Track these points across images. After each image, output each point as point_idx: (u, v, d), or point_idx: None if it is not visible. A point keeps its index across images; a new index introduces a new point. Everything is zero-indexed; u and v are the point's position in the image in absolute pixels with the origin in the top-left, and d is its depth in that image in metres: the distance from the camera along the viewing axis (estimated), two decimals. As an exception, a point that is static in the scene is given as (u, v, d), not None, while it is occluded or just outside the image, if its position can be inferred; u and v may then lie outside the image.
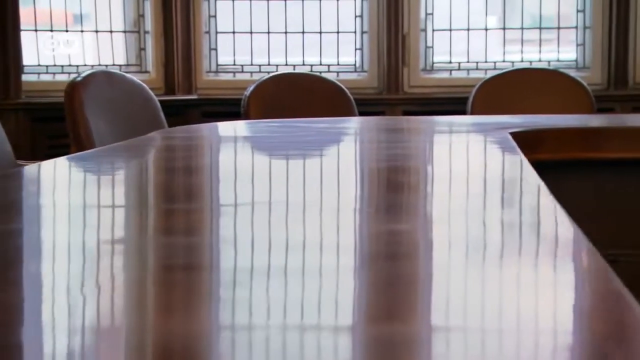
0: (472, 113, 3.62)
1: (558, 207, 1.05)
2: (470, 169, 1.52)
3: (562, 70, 3.89)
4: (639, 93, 4.19)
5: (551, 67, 4.02)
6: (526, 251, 0.88)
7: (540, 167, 2.65)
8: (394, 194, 1.25)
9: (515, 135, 2.42)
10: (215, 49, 4.41)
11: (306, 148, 1.99)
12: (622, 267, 2.91)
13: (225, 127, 2.46)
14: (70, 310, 0.69)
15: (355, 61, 4.47)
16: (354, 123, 2.73)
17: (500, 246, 0.90)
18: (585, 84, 3.64)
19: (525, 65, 4.31)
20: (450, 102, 4.17)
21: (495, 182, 1.33)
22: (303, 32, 4.45)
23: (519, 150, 1.83)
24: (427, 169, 1.50)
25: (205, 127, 2.46)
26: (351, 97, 3.56)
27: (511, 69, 3.88)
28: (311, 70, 4.45)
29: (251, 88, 3.39)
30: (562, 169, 2.69)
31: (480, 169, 1.53)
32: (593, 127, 2.61)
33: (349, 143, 2.13)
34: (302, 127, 2.57)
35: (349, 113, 3.46)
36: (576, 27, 4.37)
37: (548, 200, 1.10)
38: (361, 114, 3.95)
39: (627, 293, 0.68)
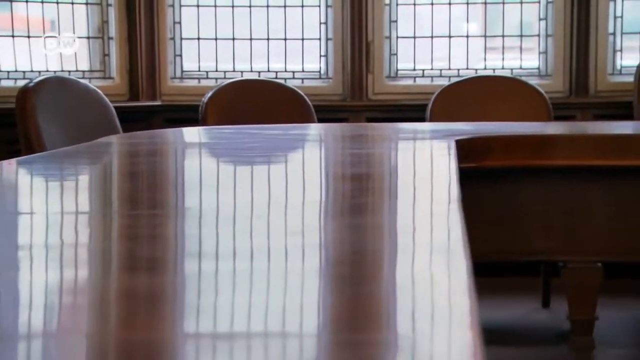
0: (431, 120, 3.64)
1: (456, 215, 1.06)
2: (388, 175, 1.54)
3: (519, 78, 3.92)
4: (599, 101, 4.23)
5: (508, 75, 4.05)
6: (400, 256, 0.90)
7: (491, 174, 2.68)
8: (304, 196, 1.27)
9: (461, 143, 2.44)
10: (180, 55, 4.42)
11: (247, 154, 2.00)
12: (571, 273, 2.93)
13: (176, 133, 2.47)
14: (30, 316, 0.68)
15: (320, 68, 4.49)
16: (306, 130, 2.75)
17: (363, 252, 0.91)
18: (543, 91, 3.68)
19: (489, 72, 4.34)
20: (414, 109, 4.20)
21: (406, 189, 1.34)
22: (268, 39, 4.47)
23: (453, 157, 1.85)
24: (343, 174, 1.52)
25: (155, 133, 2.47)
26: (310, 104, 3.57)
27: (469, 76, 3.92)
28: (276, 77, 4.46)
29: (209, 94, 3.41)
30: (513, 176, 2.72)
31: (398, 175, 1.55)
32: (541, 135, 2.64)
33: (291, 149, 2.15)
34: (254, 133, 2.59)
35: (308, 119, 3.48)
36: (538, 35, 4.41)
37: (452, 208, 1.12)
38: (325, 120, 3.96)
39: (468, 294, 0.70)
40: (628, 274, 3.33)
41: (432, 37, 4.48)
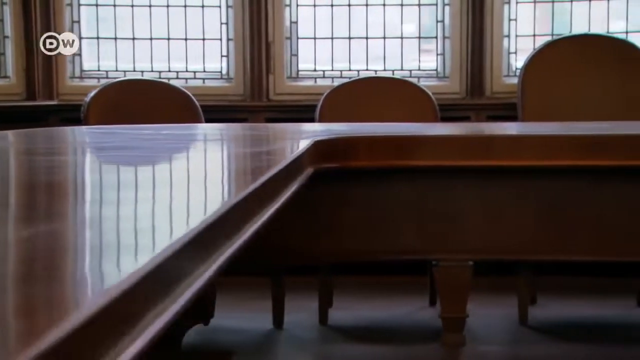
0: (320, 121, 3.67)
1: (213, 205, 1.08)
2: (187, 172, 1.56)
3: (407, 79, 3.97)
4: (494, 102, 4.29)
5: (396, 77, 4.09)
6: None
7: (361, 174, 2.71)
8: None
9: (323, 143, 2.48)
10: (80, 55, 4.39)
11: (94, 154, 2.01)
12: (442, 271, 2.97)
13: (36, 133, 2.47)
14: None
15: (222, 68, 4.50)
16: (178, 130, 2.75)
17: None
18: (430, 92, 3.73)
19: (388, 74, 4.39)
20: (314, 109, 4.23)
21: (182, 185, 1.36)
22: (169, 39, 4.47)
23: (288, 159, 1.87)
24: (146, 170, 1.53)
25: (15, 133, 2.46)
26: (197, 104, 3.58)
27: (358, 78, 3.95)
28: (177, 77, 4.47)
29: (91, 94, 3.40)
30: (384, 176, 2.75)
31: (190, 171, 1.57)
32: (405, 136, 2.67)
33: (140, 149, 2.15)
34: (123, 133, 2.59)
35: (194, 120, 3.48)
36: (436, 37, 4.47)
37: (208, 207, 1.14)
38: (226, 120, 3.97)
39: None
40: (499, 272, 3.38)
41: (332, 38, 4.52)
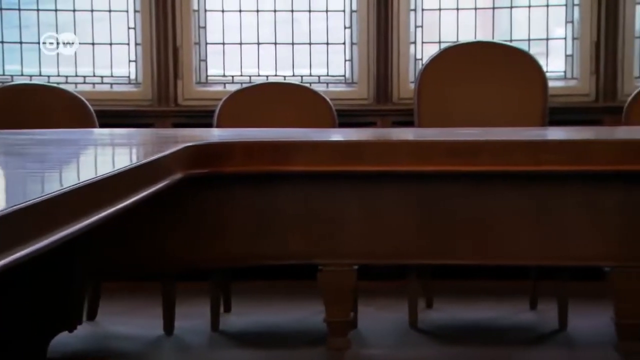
0: (218, 126, 3.67)
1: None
2: None
3: (304, 84, 3.99)
4: (400, 108, 4.33)
5: (296, 82, 4.10)
6: None
7: (244, 179, 2.71)
8: None
9: (194, 149, 2.48)
10: (-16, 59, 4.36)
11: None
12: (326, 276, 2.98)
13: None
14: None
15: (129, 73, 4.49)
16: (52, 135, 2.74)
17: None
18: (327, 98, 3.74)
19: (296, 80, 4.41)
20: (222, 115, 4.22)
21: None
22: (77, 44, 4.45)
23: (139, 162, 1.87)
24: None
25: None
26: (91, 109, 3.56)
27: (258, 83, 3.95)
28: (84, 82, 4.45)
29: (-20, 99, 3.37)
30: (268, 181, 2.76)
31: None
32: (282, 141, 2.67)
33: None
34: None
35: (87, 124, 3.47)
36: (344, 43, 4.49)
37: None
38: (133, 126, 3.95)
39: None
40: (394, 276, 3.41)
41: (240, 43, 4.53)
